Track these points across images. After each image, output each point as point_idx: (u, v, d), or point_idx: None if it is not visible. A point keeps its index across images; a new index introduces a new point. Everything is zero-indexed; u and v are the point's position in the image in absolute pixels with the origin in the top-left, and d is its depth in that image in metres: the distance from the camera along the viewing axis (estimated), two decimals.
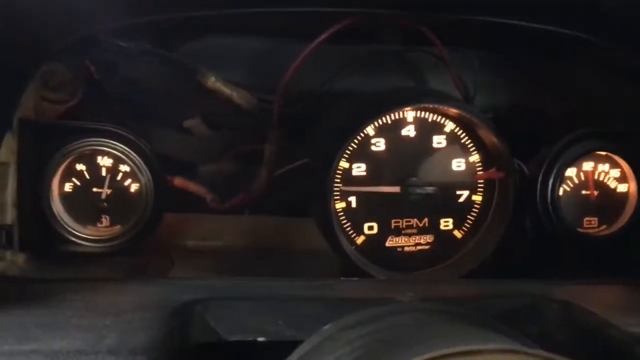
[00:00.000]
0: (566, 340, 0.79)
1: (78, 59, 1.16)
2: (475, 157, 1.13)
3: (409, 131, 1.10)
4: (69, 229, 1.13)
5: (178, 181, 1.27)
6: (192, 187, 1.28)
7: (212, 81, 1.20)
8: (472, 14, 1.15)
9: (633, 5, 1.01)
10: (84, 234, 1.14)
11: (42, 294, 0.81)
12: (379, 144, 1.09)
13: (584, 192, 1.23)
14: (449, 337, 0.55)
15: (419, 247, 1.14)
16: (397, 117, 1.09)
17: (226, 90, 1.21)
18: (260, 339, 0.77)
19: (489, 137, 1.09)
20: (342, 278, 1.01)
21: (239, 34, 1.27)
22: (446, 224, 1.14)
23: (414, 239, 1.13)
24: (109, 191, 1.16)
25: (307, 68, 1.18)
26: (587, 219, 1.23)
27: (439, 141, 1.11)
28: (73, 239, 1.13)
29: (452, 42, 1.22)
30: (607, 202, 1.23)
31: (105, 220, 1.17)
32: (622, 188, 1.23)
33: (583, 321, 0.78)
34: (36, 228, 1.11)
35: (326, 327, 0.62)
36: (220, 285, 0.90)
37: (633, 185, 1.22)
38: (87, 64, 1.18)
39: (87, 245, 1.13)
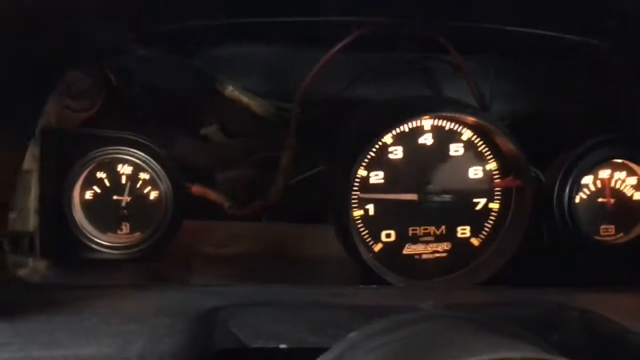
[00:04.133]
0: (585, 348, 0.79)
1: (98, 67, 1.18)
2: (492, 165, 1.13)
3: (426, 139, 1.11)
4: (90, 236, 1.15)
5: (196, 189, 1.28)
6: (210, 194, 1.29)
7: (230, 90, 1.21)
8: (489, 22, 1.16)
9: None
10: (104, 241, 1.15)
11: (66, 300, 0.82)
12: (397, 152, 1.10)
13: (600, 199, 1.22)
14: (474, 345, 0.56)
15: (436, 255, 1.14)
16: (414, 125, 1.09)
17: (244, 98, 1.22)
18: (282, 345, 0.78)
19: (506, 144, 1.10)
20: (360, 285, 1.01)
21: (257, 42, 1.28)
22: (463, 231, 1.15)
23: (431, 246, 1.14)
24: (129, 199, 1.18)
25: (325, 76, 1.19)
26: (603, 226, 1.22)
27: (456, 149, 1.12)
28: (93, 245, 1.15)
29: (468, 50, 1.23)
30: (624, 209, 1.22)
31: (125, 228, 1.18)
32: (638, 196, 1.22)
33: (602, 328, 0.78)
34: (57, 235, 1.12)
35: (351, 334, 0.63)
36: (241, 291, 0.90)
37: None
38: (106, 72, 1.19)
39: (107, 252, 1.15)
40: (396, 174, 1.11)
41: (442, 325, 0.63)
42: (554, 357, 0.53)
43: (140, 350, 0.65)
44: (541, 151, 1.21)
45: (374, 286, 1.02)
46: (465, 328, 0.62)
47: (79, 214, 1.15)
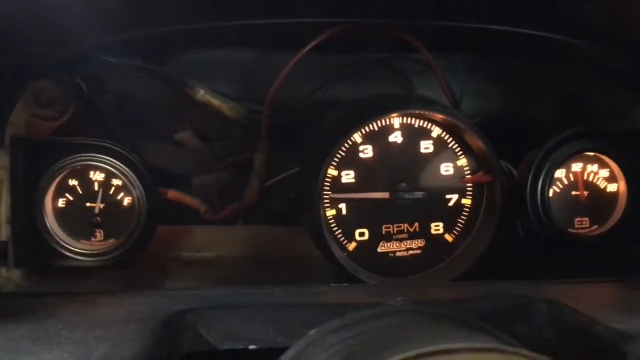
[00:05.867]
0: (553, 339, 0.80)
1: (68, 76, 1.18)
2: (462, 161, 1.14)
3: (396, 137, 1.11)
4: (63, 243, 1.14)
5: (171, 193, 1.28)
6: (186, 198, 1.29)
7: (202, 94, 1.21)
8: (457, 21, 1.17)
9: (612, 8, 1.02)
10: (78, 249, 1.15)
11: (35, 308, 0.82)
12: (367, 151, 1.10)
13: (574, 192, 1.23)
14: (430, 338, 0.56)
15: (410, 252, 1.14)
16: (383, 123, 1.10)
17: (215, 102, 1.22)
18: (251, 346, 0.78)
19: (475, 141, 1.10)
20: (332, 284, 1.01)
21: (227, 46, 1.28)
22: (437, 228, 1.15)
23: (405, 243, 1.14)
24: (101, 205, 1.17)
25: (296, 77, 1.20)
26: (578, 219, 1.23)
27: (426, 146, 1.12)
28: (67, 253, 1.14)
29: (438, 48, 1.23)
30: (598, 202, 1.23)
31: (99, 234, 1.18)
32: (611, 188, 1.23)
33: (569, 319, 0.79)
34: (30, 244, 1.12)
35: (311, 332, 0.63)
36: (212, 294, 0.91)
37: (622, 184, 1.22)
38: (77, 80, 1.19)
39: (81, 260, 1.14)
40: (367, 173, 1.11)
41: (400, 320, 0.63)
42: (513, 348, 0.53)
43: (102, 356, 0.65)
44: (514, 146, 1.22)
45: (346, 285, 1.02)
46: (424, 323, 0.63)
47: (51, 222, 1.14)
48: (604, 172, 1.24)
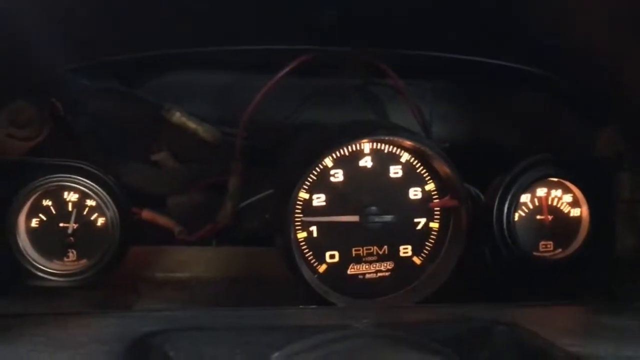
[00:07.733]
0: None
1: (44, 97, 1.19)
2: (430, 186, 1.17)
3: (366, 162, 1.14)
4: (36, 264, 1.14)
5: (145, 214, 1.29)
6: (160, 219, 1.30)
7: (177, 116, 1.24)
8: (427, 50, 1.21)
9: (572, 40, 1.07)
10: (51, 269, 1.15)
11: (4, 329, 0.82)
12: (338, 175, 1.13)
13: (538, 217, 1.27)
14: None
15: (379, 274, 1.17)
16: (354, 148, 1.13)
17: (191, 124, 1.24)
18: None
19: (442, 167, 1.13)
20: (301, 306, 1.03)
21: (202, 69, 1.31)
22: (405, 250, 1.18)
23: (374, 266, 1.16)
24: (75, 226, 1.18)
25: (270, 101, 1.22)
26: (542, 243, 1.27)
27: (395, 171, 1.15)
28: (40, 273, 1.14)
29: (409, 75, 1.27)
30: (561, 226, 1.27)
31: (72, 255, 1.18)
32: (574, 212, 1.27)
33: (529, 343, 0.82)
34: (2, 263, 1.12)
35: (274, 355, 0.65)
36: (182, 316, 0.92)
37: (585, 209, 1.26)
38: (53, 101, 1.21)
39: (53, 280, 1.15)
40: (338, 196, 1.13)
41: (361, 344, 0.65)
42: None
43: None
44: (482, 171, 1.25)
45: (314, 307, 1.04)
46: (384, 346, 0.65)
47: (24, 242, 1.15)
48: (568, 197, 1.27)
